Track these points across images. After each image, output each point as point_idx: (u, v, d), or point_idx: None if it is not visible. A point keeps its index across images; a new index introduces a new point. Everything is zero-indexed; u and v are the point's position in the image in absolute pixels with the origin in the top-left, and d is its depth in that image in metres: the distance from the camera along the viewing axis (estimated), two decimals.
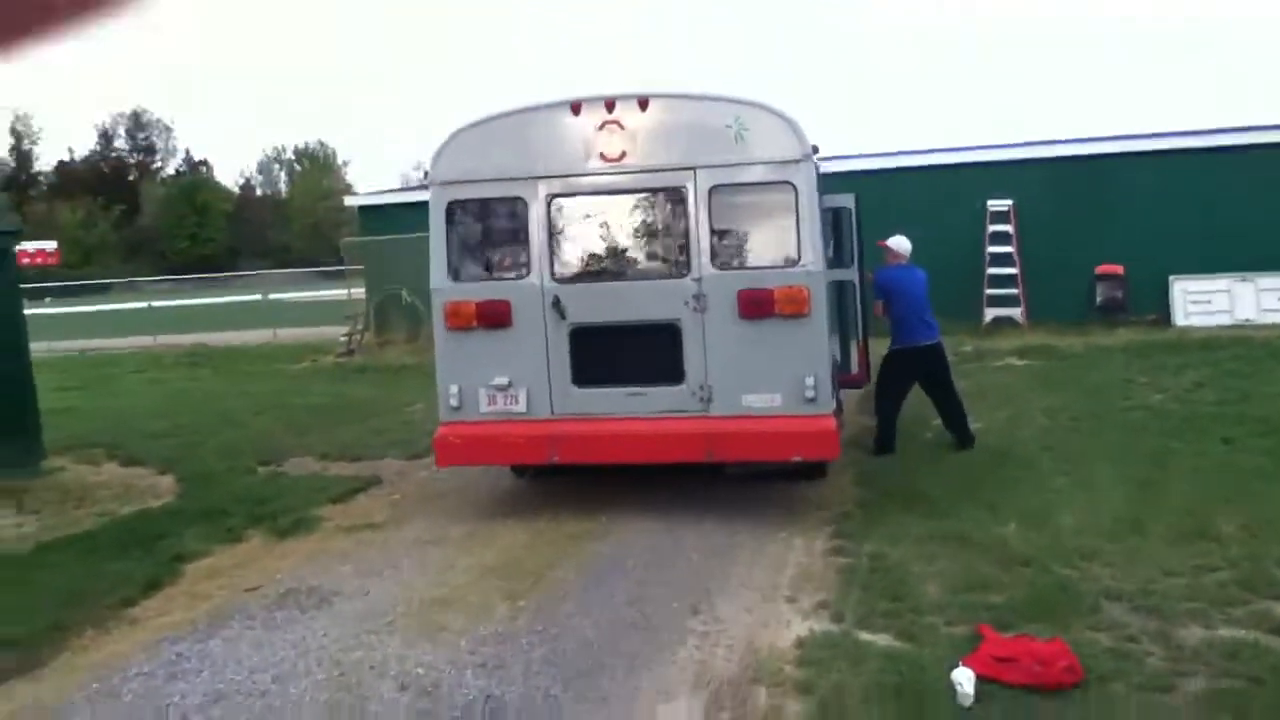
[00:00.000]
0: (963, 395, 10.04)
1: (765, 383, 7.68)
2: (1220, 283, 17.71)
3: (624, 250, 8.10)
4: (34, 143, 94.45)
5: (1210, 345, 15.11)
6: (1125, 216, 18.31)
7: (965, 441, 9.65)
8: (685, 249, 7.84)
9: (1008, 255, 18.55)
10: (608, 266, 8.09)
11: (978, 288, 18.50)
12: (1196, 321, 17.52)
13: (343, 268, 27.48)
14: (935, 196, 18.71)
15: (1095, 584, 6.00)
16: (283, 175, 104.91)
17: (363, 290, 22.38)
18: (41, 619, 6.33)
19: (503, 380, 8.02)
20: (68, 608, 6.54)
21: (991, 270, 18.58)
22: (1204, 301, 17.73)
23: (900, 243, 9.78)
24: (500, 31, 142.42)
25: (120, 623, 6.35)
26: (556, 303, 7.95)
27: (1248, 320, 17.31)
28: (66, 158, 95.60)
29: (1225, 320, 17.42)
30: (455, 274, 8.20)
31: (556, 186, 7.99)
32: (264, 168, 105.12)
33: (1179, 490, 7.73)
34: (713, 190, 7.75)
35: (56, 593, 6.88)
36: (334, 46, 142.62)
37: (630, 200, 8.01)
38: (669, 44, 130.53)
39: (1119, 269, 18.15)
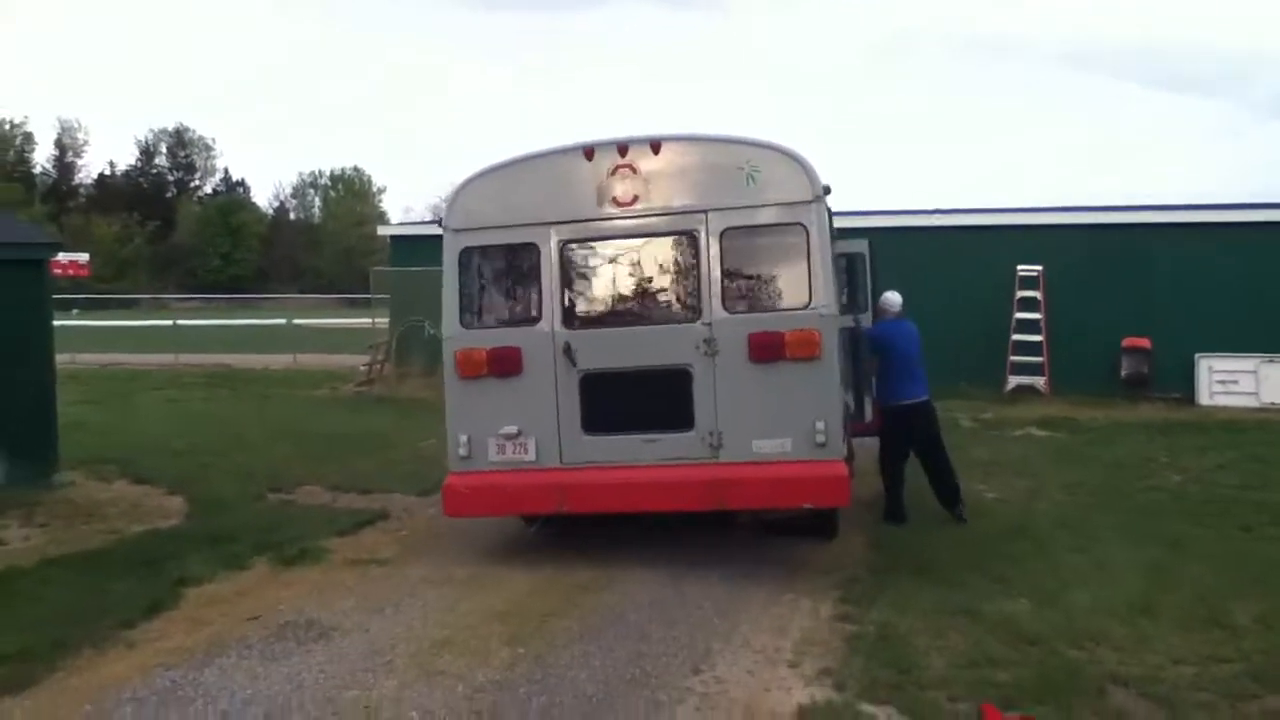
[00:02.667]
0: (956, 464, 9.81)
1: (776, 428, 7.63)
2: (1247, 363, 17.52)
3: (635, 295, 8.12)
4: (78, 155, 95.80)
5: (1234, 427, 14.95)
6: (1155, 289, 18.16)
7: (955, 512, 9.43)
8: (696, 293, 7.85)
9: (1034, 322, 18.43)
10: (619, 312, 8.10)
11: (1001, 353, 18.38)
12: (1221, 401, 17.32)
13: (369, 296, 27.61)
14: (963, 257, 18.67)
15: (1103, 667, 5.89)
16: (317, 200, 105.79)
17: (387, 320, 22.45)
18: (40, 635, 6.31)
19: (512, 429, 7.98)
20: (67, 625, 6.53)
21: (1017, 336, 18.47)
22: (1230, 381, 17.53)
23: (889, 298, 9.72)
24: (535, 73, 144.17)
25: (118, 644, 6.33)
26: (567, 349, 7.93)
27: (1273, 403, 17.10)
28: (108, 171, 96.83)
29: (1251, 402, 17.21)
30: (467, 321, 8.21)
31: (569, 232, 8.01)
32: (299, 191, 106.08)
33: (1194, 576, 7.59)
34: (724, 233, 7.77)
35: (57, 609, 6.88)
36: (376, 74, 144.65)
37: (642, 244, 8.04)
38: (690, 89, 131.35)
39: (1146, 343, 17.99)
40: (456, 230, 8.20)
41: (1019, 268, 18.55)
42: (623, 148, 7.92)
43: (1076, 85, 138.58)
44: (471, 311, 8.27)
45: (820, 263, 7.65)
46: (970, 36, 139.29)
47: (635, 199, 7.89)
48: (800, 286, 7.69)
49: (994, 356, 18.26)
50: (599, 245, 8.11)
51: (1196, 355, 17.76)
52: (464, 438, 8.08)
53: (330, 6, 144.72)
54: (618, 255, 8.09)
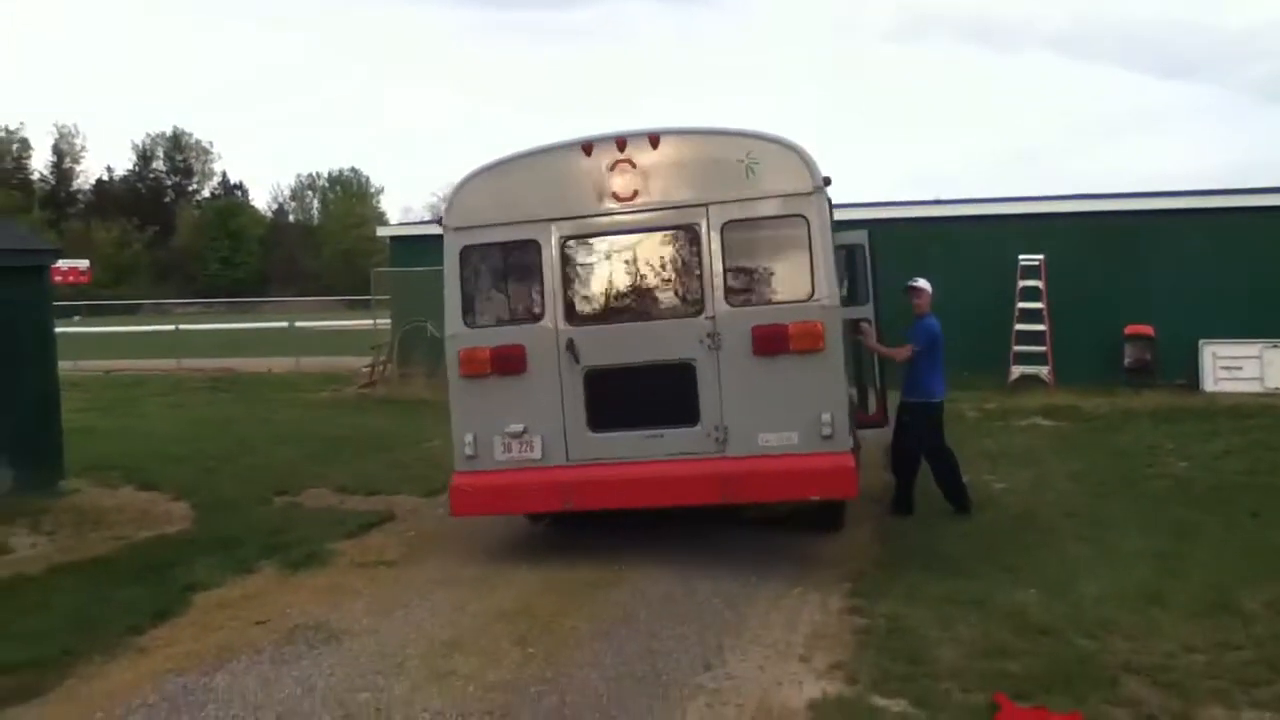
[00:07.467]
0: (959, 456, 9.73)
1: (781, 421, 7.63)
2: (1252, 349, 17.46)
3: (637, 290, 8.10)
4: (75, 161, 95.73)
5: (1239, 413, 14.89)
6: (1157, 277, 18.11)
7: (961, 506, 9.40)
8: (699, 287, 7.85)
9: (1037, 311, 18.37)
10: (621, 307, 8.08)
11: (1004, 343, 18.34)
12: (1225, 388, 17.25)
13: (370, 297, 27.59)
14: (965, 247, 18.61)
15: (1115, 656, 5.88)
16: (315, 201, 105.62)
17: (388, 321, 22.43)
18: (49, 643, 6.31)
19: (517, 427, 7.97)
20: (76, 633, 6.53)
21: (1020, 326, 18.41)
22: (1234, 368, 17.46)
23: (928, 287, 9.57)
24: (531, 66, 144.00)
25: (127, 651, 6.33)
26: (570, 346, 7.92)
27: (1277, 389, 17.04)
28: (105, 177, 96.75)
29: (1255, 388, 17.12)
30: (470, 320, 8.19)
31: (569, 228, 8.01)
32: (297, 193, 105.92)
33: (1203, 563, 7.58)
34: (725, 226, 7.76)
35: (66, 617, 6.88)
36: (372, 73, 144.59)
37: (643, 239, 8.03)
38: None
39: (1149, 330, 17.95)
40: (456, 229, 8.18)
41: (1021, 257, 18.49)
42: (621, 142, 7.91)
43: (1067, 71, 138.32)
44: (473, 310, 8.25)
45: (822, 254, 7.64)
46: (977, 25, 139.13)
47: (635, 194, 7.88)
48: (802, 278, 7.69)
49: (997, 346, 18.20)
50: (600, 241, 8.09)
51: (1200, 341, 17.70)
52: (469, 437, 8.07)
53: (326, 8, 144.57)
54: (619, 250, 8.07)
